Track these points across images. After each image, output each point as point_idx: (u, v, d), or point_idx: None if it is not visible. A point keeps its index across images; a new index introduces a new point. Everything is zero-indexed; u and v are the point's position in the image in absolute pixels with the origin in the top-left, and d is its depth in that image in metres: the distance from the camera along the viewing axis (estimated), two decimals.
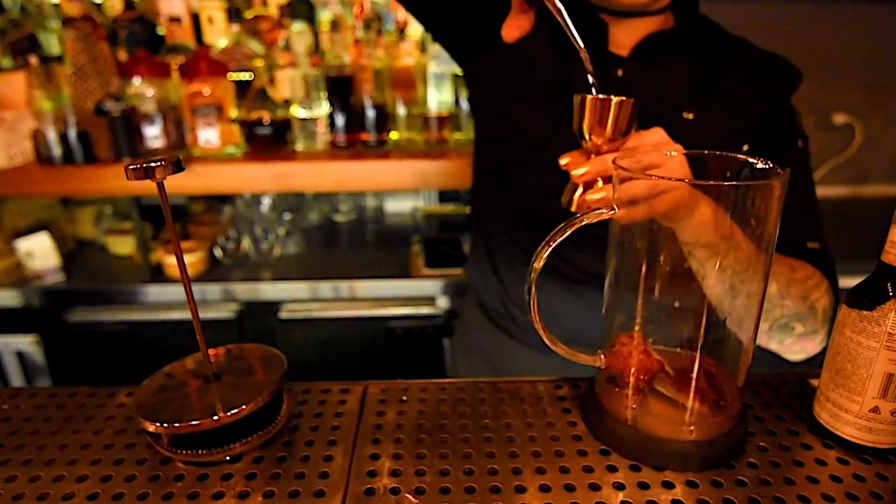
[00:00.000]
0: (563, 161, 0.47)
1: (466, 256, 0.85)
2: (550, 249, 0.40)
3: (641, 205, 0.38)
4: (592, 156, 0.46)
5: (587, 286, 0.69)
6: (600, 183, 0.45)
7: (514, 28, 0.46)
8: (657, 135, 0.48)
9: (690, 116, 0.61)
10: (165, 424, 0.39)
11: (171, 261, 1.38)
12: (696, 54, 0.63)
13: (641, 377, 0.41)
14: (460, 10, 0.69)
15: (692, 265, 0.41)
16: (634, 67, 0.62)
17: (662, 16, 0.63)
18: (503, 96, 0.69)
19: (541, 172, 0.65)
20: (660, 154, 0.43)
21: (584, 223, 0.40)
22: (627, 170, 0.38)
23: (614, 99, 0.43)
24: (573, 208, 0.48)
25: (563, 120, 0.62)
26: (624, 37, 0.63)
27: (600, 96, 0.44)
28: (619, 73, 0.63)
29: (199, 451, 0.40)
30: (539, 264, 0.40)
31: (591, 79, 0.45)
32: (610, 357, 0.43)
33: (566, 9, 0.60)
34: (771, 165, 0.38)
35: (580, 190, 0.46)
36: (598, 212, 0.40)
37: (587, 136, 0.45)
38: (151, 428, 0.39)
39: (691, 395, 0.40)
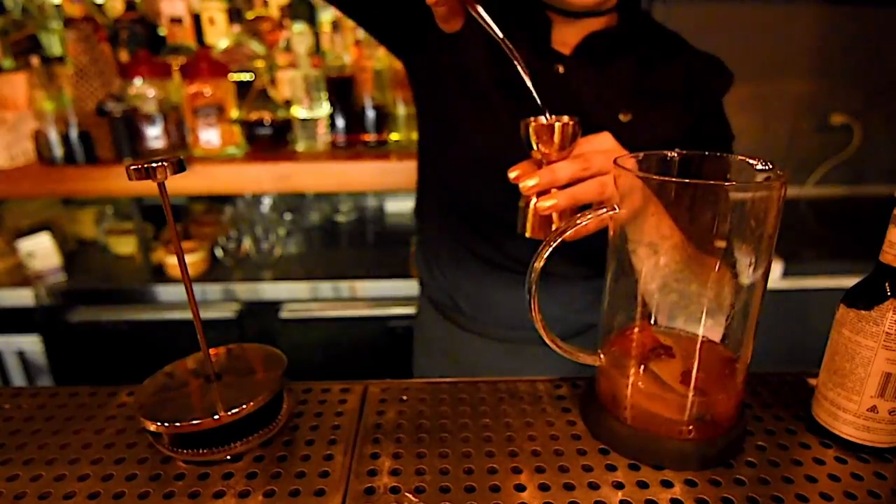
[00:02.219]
0: (513, 174, 0.48)
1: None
2: (551, 249, 0.40)
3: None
4: (543, 164, 0.47)
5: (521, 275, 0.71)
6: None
7: (446, 24, 0.46)
8: (605, 141, 0.49)
9: (627, 118, 0.62)
10: (166, 424, 0.39)
11: (172, 261, 1.38)
12: (637, 55, 0.64)
13: (640, 351, 0.41)
14: (393, 10, 0.68)
15: (633, 262, 0.43)
16: (575, 65, 0.63)
17: (607, 16, 0.64)
18: (443, 98, 0.69)
19: (482, 174, 0.66)
20: (608, 159, 0.43)
21: (581, 223, 0.40)
22: (630, 169, 0.38)
23: (557, 125, 0.45)
24: (528, 234, 0.49)
25: (504, 122, 0.63)
26: (567, 35, 0.64)
27: (544, 122, 0.46)
28: (561, 69, 0.63)
29: (200, 451, 0.40)
30: (539, 264, 0.41)
31: (529, 85, 0.46)
32: (612, 340, 0.43)
33: (510, 7, 0.60)
34: (771, 166, 0.39)
35: (533, 201, 0.47)
36: (599, 212, 0.40)
37: (535, 147, 0.47)
38: (152, 427, 0.39)
39: (691, 381, 0.39)
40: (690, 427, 0.40)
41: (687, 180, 0.37)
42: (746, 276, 0.38)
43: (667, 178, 0.36)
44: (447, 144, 0.70)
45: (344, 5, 0.68)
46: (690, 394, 0.39)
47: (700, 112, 0.64)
